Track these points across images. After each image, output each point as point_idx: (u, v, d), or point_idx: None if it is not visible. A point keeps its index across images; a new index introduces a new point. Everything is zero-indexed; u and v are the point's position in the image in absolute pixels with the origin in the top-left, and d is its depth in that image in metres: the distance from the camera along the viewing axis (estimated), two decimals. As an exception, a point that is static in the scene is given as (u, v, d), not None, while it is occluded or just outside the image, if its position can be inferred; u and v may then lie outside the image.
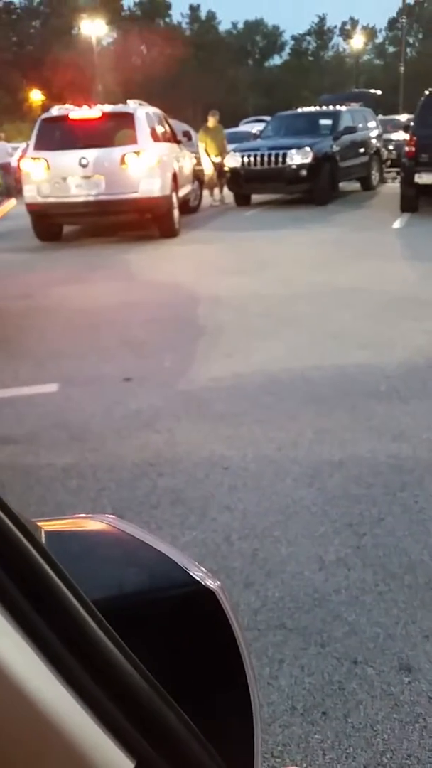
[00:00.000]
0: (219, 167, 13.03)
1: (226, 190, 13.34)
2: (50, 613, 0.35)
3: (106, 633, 0.37)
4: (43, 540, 0.44)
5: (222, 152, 13.08)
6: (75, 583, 0.36)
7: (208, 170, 13.19)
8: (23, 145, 16.88)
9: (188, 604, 0.46)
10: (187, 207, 11.71)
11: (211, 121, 13.22)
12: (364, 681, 1.84)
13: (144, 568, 0.48)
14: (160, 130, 10.15)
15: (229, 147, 13.74)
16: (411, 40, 63.03)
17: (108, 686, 0.36)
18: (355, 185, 14.61)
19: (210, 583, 0.47)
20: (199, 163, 12.59)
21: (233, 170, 12.55)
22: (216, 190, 13.64)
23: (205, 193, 13.40)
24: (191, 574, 0.47)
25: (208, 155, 13.08)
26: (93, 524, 0.55)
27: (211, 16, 71.50)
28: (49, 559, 0.36)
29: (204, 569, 0.48)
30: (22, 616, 0.34)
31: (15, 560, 0.34)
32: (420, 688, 1.81)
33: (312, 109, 15.34)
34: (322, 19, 75.95)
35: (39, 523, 0.47)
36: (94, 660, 0.36)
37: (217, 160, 13.01)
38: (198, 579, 0.47)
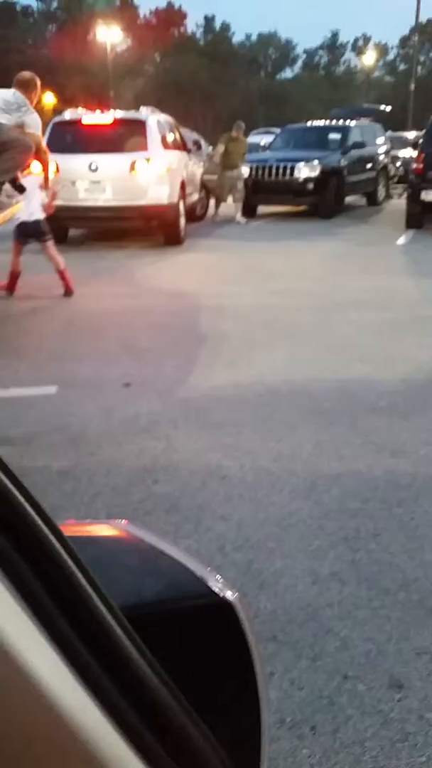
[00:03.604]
0: (230, 180, 12.22)
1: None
2: (78, 620, 0.34)
3: (131, 640, 0.37)
4: None
5: (238, 166, 12.32)
6: (105, 591, 0.36)
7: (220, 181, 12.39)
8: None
9: (207, 616, 0.46)
10: (194, 215, 11.74)
11: (239, 133, 12.46)
12: (354, 696, 1.82)
13: (162, 577, 0.48)
14: (170, 137, 10.20)
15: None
16: (422, 58, 63.39)
17: (131, 694, 0.36)
18: (361, 200, 14.66)
19: (229, 594, 0.46)
20: (207, 171, 12.39)
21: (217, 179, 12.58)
22: (223, 204, 12.68)
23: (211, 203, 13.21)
24: (210, 585, 0.47)
25: (225, 167, 12.18)
26: (109, 530, 0.55)
27: (225, 27, 72.01)
28: (82, 566, 0.35)
29: (221, 579, 0.48)
30: (49, 620, 0.33)
31: (51, 568, 0.34)
32: (410, 706, 1.79)
33: (321, 123, 15.41)
34: (335, 34, 76.48)
35: None
36: (120, 669, 0.36)
37: (233, 173, 12.14)
38: (217, 591, 0.46)
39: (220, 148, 12.54)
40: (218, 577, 0.49)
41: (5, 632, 0.31)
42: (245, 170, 12.40)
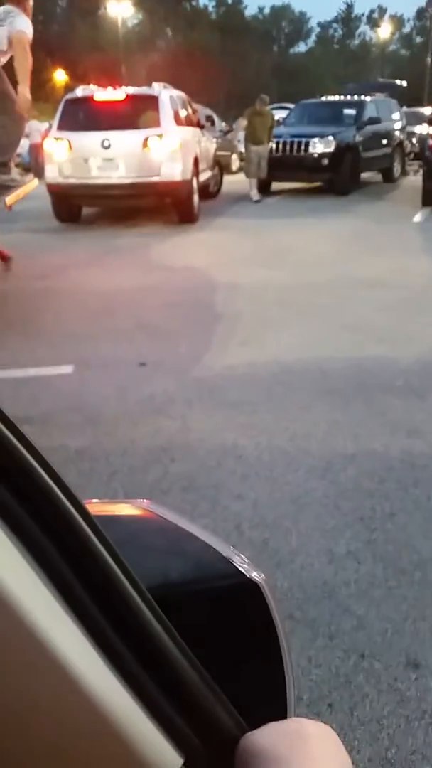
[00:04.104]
0: (258, 156, 11.75)
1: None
2: (108, 603, 0.34)
3: (161, 624, 0.36)
4: None
5: (267, 140, 11.87)
6: (133, 573, 0.36)
7: (248, 157, 11.91)
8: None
9: (234, 596, 0.46)
10: (207, 193, 11.63)
11: (263, 106, 11.86)
12: (371, 675, 1.84)
13: (188, 558, 0.48)
14: (183, 113, 10.08)
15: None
16: (439, 31, 61.98)
17: (161, 679, 0.36)
18: (377, 177, 14.46)
19: (255, 575, 0.46)
20: (223, 147, 12.01)
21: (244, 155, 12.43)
22: (254, 182, 12.06)
23: (237, 180, 12.70)
24: (236, 565, 0.46)
25: (251, 142, 11.81)
26: (132, 509, 0.55)
27: (238, 0, 70.74)
28: (110, 548, 0.35)
29: (247, 560, 0.48)
30: (80, 604, 0.33)
31: (79, 551, 0.34)
32: (427, 685, 1.80)
33: (336, 98, 15.16)
34: (349, 7, 74.98)
35: None
36: (150, 654, 0.36)
37: (259, 148, 11.73)
38: (243, 571, 0.46)
39: (242, 123, 12.23)
40: (243, 556, 0.49)
41: (35, 617, 0.31)
42: (271, 146, 12.02)
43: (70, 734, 0.34)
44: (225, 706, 0.39)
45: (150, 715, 0.36)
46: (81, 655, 0.33)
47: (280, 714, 0.46)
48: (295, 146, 12.14)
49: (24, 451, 0.33)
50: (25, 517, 0.32)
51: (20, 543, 0.32)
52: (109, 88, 9.84)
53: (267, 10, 73.96)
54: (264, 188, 12.61)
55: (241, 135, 13.02)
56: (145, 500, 0.55)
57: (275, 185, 13.14)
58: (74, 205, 10.03)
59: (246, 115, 12.03)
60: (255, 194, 12.07)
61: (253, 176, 12.06)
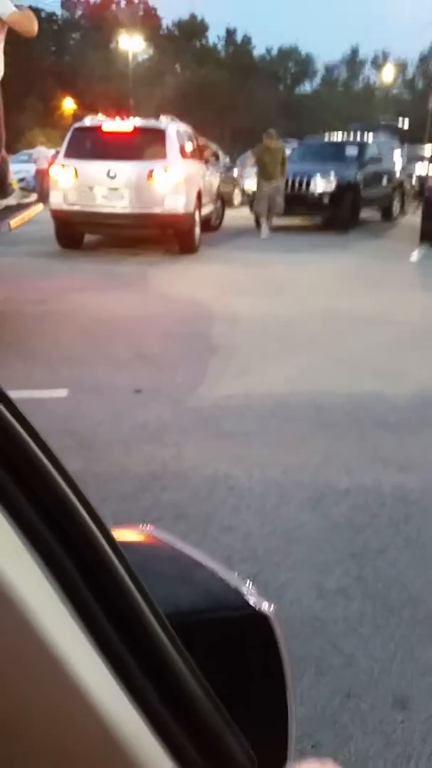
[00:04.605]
0: (268, 192, 11.68)
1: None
2: (126, 628, 0.34)
3: (176, 648, 0.36)
4: None
5: (281, 176, 11.79)
6: (151, 597, 0.36)
7: (258, 194, 11.81)
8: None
9: (244, 628, 0.46)
10: (209, 225, 11.78)
11: (271, 141, 11.79)
12: (357, 715, 1.81)
13: (198, 587, 0.48)
14: (189, 147, 10.26)
15: (253, 169, 13.81)
16: (441, 77, 63.44)
17: (174, 704, 0.36)
18: (376, 215, 14.68)
19: (265, 607, 0.46)
20: (226, 182, 12.11)
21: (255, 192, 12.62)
22: (264, 221, 11.95)
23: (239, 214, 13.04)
24: (247, 597, 0.46)
25: (262, 178, 11.76)
26: (137, 536, 0.55)
27: (247, 40, 72.47)
28: (131, 572, 0.35)
29: (255, 590, 0.48)
30: (98, 629, 0.33)
31: (102, 576, 0.34)
32: (413, 727, 1.77)
33: (339, 137, 15.48)
34: (354, 52, 76.85)
35: None
36: (162, 674, 0.36)
37: (270, 184, 11.66)
38: (253, 603, 0.46)
39: (249, 160, 12.30)
40: (252, 587, 0.49)
41: (49, 632, 0.31)
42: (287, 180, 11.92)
43: (74, 744, 0.34)
44: (237, 737, 0.39)
45: (160, 739, 0.35)
46: (97, 679, 0.33)
47: (281, 746, 0.46)
48: (297, 183, 12.34)
49: (49, 466, 0.33)
50: (47, 531, 0.32)
51: (44, 565, 0.32)
52: (118, 119, 10.02)
53: (275, 51, 75.71)
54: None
55: (249, 171, 13.10)
56: (149, 525, 0.55)
57: (276, 221, 13.32)
58: (77, 232, 10.14)
59: (255, 152, 12.06)
60: (265, 231, 11.94)
61: (261, 213, 12.02)
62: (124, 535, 0.57)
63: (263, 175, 11.82)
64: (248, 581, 0.49)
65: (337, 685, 1.90)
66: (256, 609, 0.46)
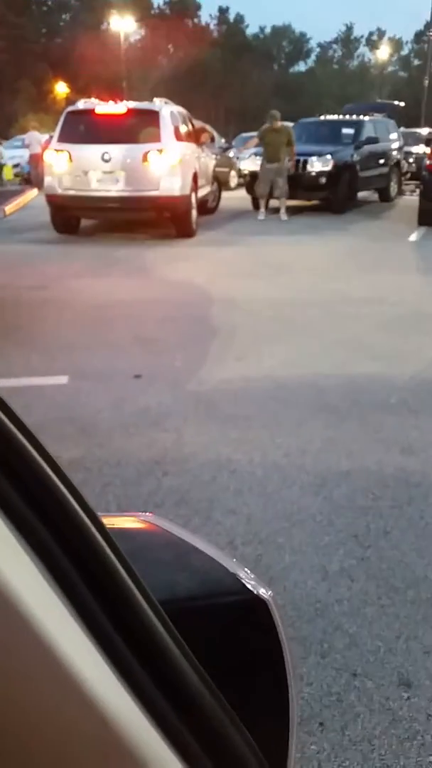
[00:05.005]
0: (269, 174, 11.46)
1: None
2: (121, 619, 0.34)
3: (172, 637, 0.36)
4: None
5: (288, 156, 11.53)
6: (145, 585, 0.36)
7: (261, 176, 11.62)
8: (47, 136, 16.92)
9: (242, 613, 0.46)
10: (205, 208, 11.70)
11: (276, 123, 11.45)
12: (363, 694, 1.82)
13: (195, 573, 0.47)
14: (183, 129, 10.16)
15: (249, 151, 13.67)
16: (437, 54, 62.86)
17: (171, 692, 0.36)
18: (373, 196, 14.59)
19: (263, 592, 0.46)
20: (222, 164, 12.01)
21: (252, 173, 12.51)
22: (263, 203, 11.81)
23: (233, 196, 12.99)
24: (245, 582, 0.46)
25: (266, 160, 11.54)
26: (137, 523, 0.54)
27: (239, 19, 71.60)
28: (125, 562, 0.35)
29: (253, 575, 0.47)
30: (92, 618, 0.33)
31: (95, 565, 0.33)
32: (419, 705, 1.79)
33: (335, 117, 15.31)
34: (349, 29, 75.99)
35: None
36: (163, 670, 0.35)
37: (273, 166, 11.45)
38: (251, 588, 0.46)
39: (252, 141, 12.12)
40: (249, 572, 0.49)
41: (47, 629, 0.31)
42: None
43: (76, 744, 0.34)
44: (233, 721, 0.39)
45: (158, 729, 0.35)
46: (93, 668, 0.33)
47: (282, 731, 0.46)
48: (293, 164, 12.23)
49: (42, 463, 0.33)
50: (44, 530, 0.32)
51: (40, 562, 0.32)
52: (111, 102, 9.91)
53: (268, 30, 74.86)
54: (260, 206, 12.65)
55: (246, 152, 12.86)
56: (148, 513, 0.55)
57: (272, 202, 13.24)
58: (73, 217, 10.07)
59: (260, 133, 11.85)
60: (262, 213, 11.92)
61: (262, 195, 11.91)
62: (123, 522, 0.56)
63: (267, 157, 11.66)
64: (245, 568, 0.49)
65: (342, 665, 1.92)
66: (255, 593, 0.46)
